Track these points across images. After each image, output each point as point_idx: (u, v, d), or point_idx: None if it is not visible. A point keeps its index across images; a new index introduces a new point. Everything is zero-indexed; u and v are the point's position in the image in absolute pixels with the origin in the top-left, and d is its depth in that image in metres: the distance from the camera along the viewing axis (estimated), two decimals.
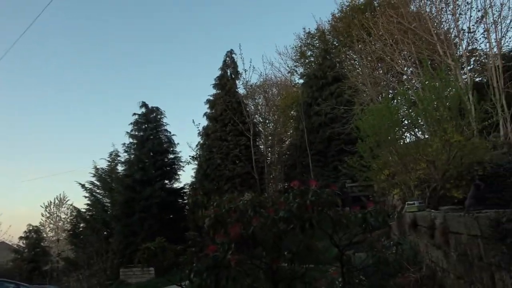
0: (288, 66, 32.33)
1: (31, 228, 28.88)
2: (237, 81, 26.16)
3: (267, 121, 29.16)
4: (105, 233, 26.52)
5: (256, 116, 28.22)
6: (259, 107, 29.01)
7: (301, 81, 28.71)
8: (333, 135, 21.92)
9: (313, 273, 3.38)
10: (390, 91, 18.93)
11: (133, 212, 22.93)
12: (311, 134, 23.13)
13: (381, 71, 19.75)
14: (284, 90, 30.46)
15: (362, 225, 2.84)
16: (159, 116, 25.80)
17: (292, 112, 28.56)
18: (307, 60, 30.16)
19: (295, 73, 31.84)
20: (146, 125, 25.32)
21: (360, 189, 17.39)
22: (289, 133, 30.18)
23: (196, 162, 25.69)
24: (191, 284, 2.31)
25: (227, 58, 26.32)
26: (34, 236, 28.52)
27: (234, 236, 2.33)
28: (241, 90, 26.63)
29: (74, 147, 65.26)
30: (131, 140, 25.32)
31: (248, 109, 25.86)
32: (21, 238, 28.55)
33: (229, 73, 26.09)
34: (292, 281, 2.84)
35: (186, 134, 66.73)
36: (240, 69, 26.30)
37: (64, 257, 28.20)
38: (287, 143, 29.89)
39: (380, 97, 17.93)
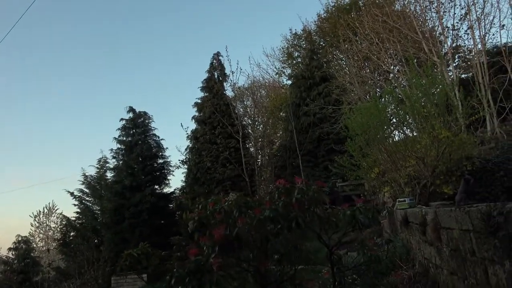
0: (275, 68, 32.40)
1: (20, 239, 28.36)
2: (224, 83, 26.11)
3: (256, 123, 29.12)
4: (95, 241, 26.15)
5: (245, 118, 28.17)
6: (248, 109, 28.96)
7: (289, 82, 28.75)
8: (322, 135, 21.95)
9: (304, 274, 3.28)
10: (378, 90, 19.04)
11: (123, 219, 22.63)
12: (301, 135, 23.13)
13: (368, 70, 19.85)
14: (273, 91, 30.49)
15: (351, 222, 2.76)
16: (147, 121, 25.55)
17: (281, 114, 28.59)
18: (294, 61, 30.25)
19: (283, 74, 31.91)
20: (134, 130, 25.05)
21: (351, 188, 17.39)
22: (278, 135, 30.19)
23: (186, 166, 25.52)
24: None
25: (214, 61, 26.26)
26: (23, 246, 28.02)
27: (218, 238, 2.22)
28: (229, 93, 26.60)
29: (62, 154, 64.44)
30: (119, 145, 25.03)
31: (236, 111, 25.79)
32: (10, 249, 28.01)
33: (216, 76, 26.02)
34: (282, 283, 2.74)
35: (174, 138, 66.34)
36: (227, 71, 26.30)
37: (54, 267, 27.74)
38: (277, 144, 29.86)
39: (367, 96, 18.03)
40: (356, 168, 11.60)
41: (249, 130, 27.62)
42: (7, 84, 60.35)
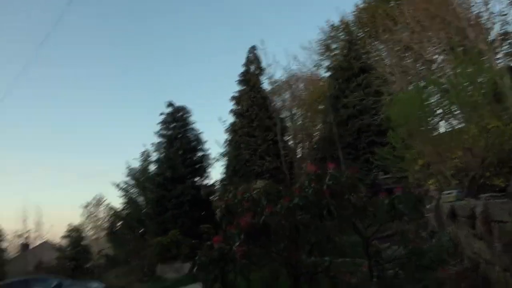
0: (313, 61, 31.83)
1: (71, 228, 29.73)
2: (261, 77, 26.01)
3: (294, 117, 28.85)
4: (140, 230, 27.05)
5: (283, 111, 27.99)
6: (286, 103, 28.74)
7: (327, 74, 28.16)
8: (362, 127, 21.35)
9: (341, 266, 3.12)
10: (420, 81, 18.22)
11: (166, 210, 23.24)
12: (340, 127, 22.61)
13: (409, 60, 19.05)
14: (311, 84, 30.01)
15: (390, 212, 2.56)
16: (185, 115, 26.03)
17: (319, 106, 28.13)
18: (332, 53, 29.57)
19: (320, 67, 31.29)
20: (173, 124, 25.59)
21: (393, 181, 16.82)
22: (317, 127, 29.73)
23: (225, 159, 25.74)
24: (194, 278, 2.14)
25: (250, 54, 26.22)
26: (75, 235, 29.35)
27: (244, 226, 2.13)
28: (266, 86, 26.49)
29: (108, 148, 67.09)
30: (160, 139, 25.71)
31: (274, 104, 25.64)
32: (63, 237, 29.51)
33: (253, 69, 25.97)
34: (315, 275, 2.61)
35: (213, 131, 67.10)
36: (263, 64, 26.21)
37: (104, 255, 28.98)
38: (316, 137, 29.45)
39: (409, 87, 17.31)
40: (399, 160, 11.15)
41: (287, 124, 27.42)
42: (55, 74, 63.46)
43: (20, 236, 32.55)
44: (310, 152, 27.82)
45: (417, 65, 18.85)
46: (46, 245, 32.59)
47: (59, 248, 29.00)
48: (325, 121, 25.28)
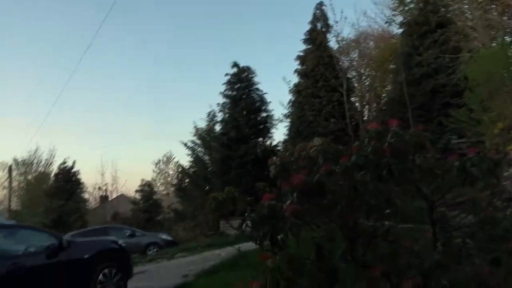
0: (385, 16, 29.68)
1: (144, 183, 31.74)
2: (328, 35, 24.97)
3: (362, 77, 27.56)
4: (206, 188, 28.24)
5: (350, 71, 26.84)
6: (353, 62, 27.45)
7: (400, 31, 26.20)
8: (437, 87, 19.83)
9: (402, 232, 2.94)
10: (507, 37, 16.28)
11: (230, 169, 23.93)
12: (412, 87, 21.21)
13: (495, 13, 17.05)
14: (381, 42, 28.21)
15: (460, 176, 2.31)
16: (250, 76, 25.99)
17: (390, 66, 26.51)
18: (406, 8, 27.30)
19: (393, 23, 29.11)
20: (238, 85, 25.74)
21: (468, 145, 15.64)
22: (386, 88, 28.19)
23: (289, 120, 25.58)
24: (242, 235, 2.13)
25: (317, 11, 25.14)
26: (147, 189, 31.33)
27: (297, 183, 2.04)
28: (332, 44, 25.41)
29: (178, 107, 69.87)
30: (225, 99, 26.09)
31: (340, 64, 24.64)
32: (136, 191, 31.74)
33: (319, 27, 24.95)
34: (374, 238, 2.48)
35: (277, 92, 66.73)
36: (331, 21, 25.03)
37: (173, 209, 30.75)
38: (384, 99, 28.01)
39: (493, 42, 15.56)
40: (475, 123, 10.28)
41: (354, 84, 26.33)
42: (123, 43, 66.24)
43: (99, 188, 35.54)
44: (378, 114, 26.65)
45: (504, 18, 16.86)
46: (122, 198, 35.41)
47: (133, 201, 31.24)
48: (395, 81, 23.85)
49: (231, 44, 63.21)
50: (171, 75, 68.94)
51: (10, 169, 34.10)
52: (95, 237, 11.34)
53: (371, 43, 28.37)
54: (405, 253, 2.47)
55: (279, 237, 2.04)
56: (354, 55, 27.57)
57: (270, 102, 26.31)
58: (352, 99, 25.46)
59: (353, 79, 26.65)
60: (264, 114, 26.10)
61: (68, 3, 64.08)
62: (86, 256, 7.05)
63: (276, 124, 26.54)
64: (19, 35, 65.33)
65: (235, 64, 26.05)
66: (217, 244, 14.95)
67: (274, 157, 2.83)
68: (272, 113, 26.40)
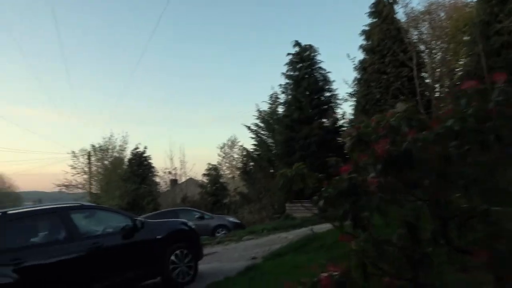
0: None
1: (210, 167, 32.61)
2: (395, 6, 23.35)
3: (433, 51, 25.54)
4: (271, 170, 28.34)
5: (419, 45, 24.99)
6: (423, 35, 25.49)
7: None
8: None
9: (506, 214, 2.50)
10: None
11: (294, 151, 23.66)
12: (490, 59, 19.19)
13: None
14: (454, 12, 25.85)
15: None
16: (312, 54, 25.25)
17: (464, 38, 24.26)
18: None
19: None
20: (300, 64, 25.15)
21: None
22: (461, 62, 25.90)
23: (354, 99, 24.59)
24: (318, 214, 1.88)
25: None
26: (213, 173, 32.16)
27: (380, 154, 1.74)
28: (400, 16, 23.76)
29: (239, 92, 70.61)
30: (287, 80, 25.69)
31: (409, 37, 22.98)
32: (203, 175, 32.73)
33: None
34: (469, 219, 2.11)
35: (341, 70, 64.61)
36: None
37: (238, 192, 31.35)
38: (459, 73, 25.79)
39: None
40: None
41: (425, 58, 24.50)
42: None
43: (169, 172, 37.09)
44: (451, 90, 24.65)
45: None
46: (191, 181, 36.68)
47: (201, 185, 32.28)
48: (471, 53, 21.80)
49: (293, 24, 62.15)
50: (234, 59, 69.66)
51: (89, 155, 36.79)
52: (167, 219, 11.76)
53: (443, 14, 26.13)
54: (508, 238, 2.07)
55: (362, 215, 1.76)
56: (424, 27, 25.65)
57: (334, 81, 25.53)
58: (423, 74, 23.75)
59: (423, 53, 24.83)
60: (327, 94, 25.36)
61: None
62: (158, 237, 7.26)
63: (341, 104, 25.69)
64: (88, 26, 69.59)
65: (297, 43, 25.44)
66: (283, 227, 14.90)
67: (346, 129, 2.53)
68: (336, 92, 25.57)
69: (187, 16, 67.98)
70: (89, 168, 36.80)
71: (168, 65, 71.81)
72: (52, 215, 6.37)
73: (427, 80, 24.47)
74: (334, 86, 25.62)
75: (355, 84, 24.37)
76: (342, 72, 55.47)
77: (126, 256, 6.80)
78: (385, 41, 22.24)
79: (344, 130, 24.29)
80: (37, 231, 6.24)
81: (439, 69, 25.61)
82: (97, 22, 64.91)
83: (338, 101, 25.46)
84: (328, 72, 25.52)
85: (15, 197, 59.93)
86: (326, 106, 25.14)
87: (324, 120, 24.92)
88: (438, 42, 25.81)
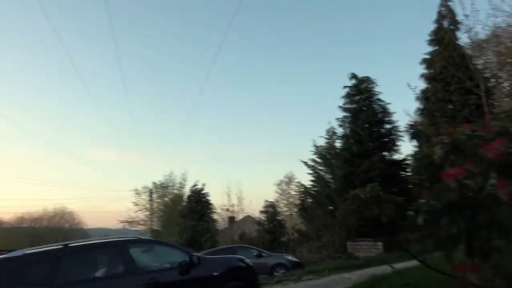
0: None
1: (268, 204, 32.21)
2: (457, 32, 22.35)
3: (498, 80, 23.88)
4: (330, 207, 27.33)
5: (485, 72, 23.49)
6: (487, 63, 24.00)
7: None
8: None
9: None
10: None
11: (354, 186, 22.55)
12: None
13: None
14: None
15: None
16: (370, 86, 24.63)
17: None
18: None
19: None
20: (357, 97, 24.57)
21: None
22: None
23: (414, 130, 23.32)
24: (413, 235, 1.46)
25: (442, 8, 22.79)
26: (271, 210, 31.70)
27: (494, 157, 1.32)
28: (463, 42, 22.64)
29: (297, 127, 70.55)
30: (344, 113, 25.13)
31: (475, 63, 21.69)
32: (261, 212, 32.35)
33: (446, 25, 22.55)
34: None
35: (401, 101, 62.50)
36: (459, 16, 22.35)
37: (297, 230, 30.49)
38: None
39: None
40: None
41: (493, 84, 22.90)
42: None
43: (226, 209, 37.18)
44: None
45: None
46: (248, 219, 36.40)
47: (258, 222, 31.86)
48: None
49: (348, 57, 62.02)
50: (289, 96, 70.39)
51: (151, 193, 38.02)
52: (224, 255, 11.47)
53: (508, 40, 24.53)
54: None
55: (480, 235, 1.32)
56: (489, 53, 24.18)
57: (394, 112, 24.53)
58: (492, 101, 22.14)
59: (491, 80, 23.25)
60: (388, 126, 24.36)
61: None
62: (215, 274, 6.98)
63: (403, 136, 24.50)
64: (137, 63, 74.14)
65: (354, 76, 25.01)
66: (345, 267, 14.05)
67: (428, 141, 2.12)
68: (397, 124, 24.51)
69: (240, 55, 70.52)
70: (151, 205, 37.91)
71: (224, 105, 74.22)
72: (111, 249, 6.35)
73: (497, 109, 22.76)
74: (394, 117, 24.64)
75: (418, 115, 23.25)
76: (402, 103, 53.74)
77: None
78: (448, 69, 21.17)
79: (409, 162, 22.99)
80: (96, 264, 6.22)
81: (507, 99, 23.76)
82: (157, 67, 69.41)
83: (400, 133, 24.33)
84: (388, 103, 24.67)
85: (83, 234, 63.00)
86: (386, 139, 24.10)
87: (385, 153, 23.84)
88: (504, 70, 24.12)
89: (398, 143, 24.21)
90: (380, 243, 20.41)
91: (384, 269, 8.96)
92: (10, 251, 5.87)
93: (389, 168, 22.57)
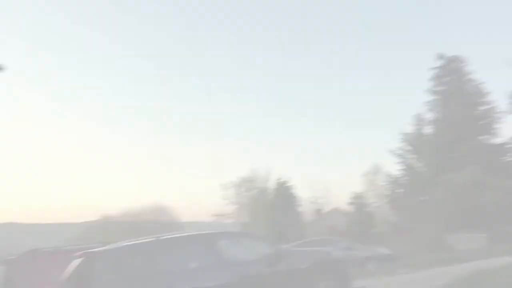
0: None
1: (355, 195, 31.35)
2: None
3: None
4: (422, 197, 25.77)
5: None
6: None
7: None
8: None
9: None
10: None
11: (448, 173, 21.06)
12: None
13: None
14: None
15: None
16: (460, 65, 22.61)
17: None
18: None
19: None
20: (447, 78, 22.73)
21: None
22: None
23: None
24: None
25: None
26: (359, 202, 30.81)
27: None
28: None
29: (376, 117, 67.38)
30: (433, 97, 23.40)
31: None
32: (349, 204, 31.59)
33: None
34: None
35: (500, 80, 55.93)
36: None
37: (387, 221, 29.32)
38: None
39: None
40: None
41: None
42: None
43: (312, 202, 36.90)
44: None
45: None
46: (336, 211, 35.80)
47: (346, 214, 31.17)
48: None
49: (431, 38, 57.55)
50: (371, 84, 67.52)
51: (239, 187, 39.38)
52: (312, 248, 11.38)
53: None
54: None
55: None
56: None
57: (489, 92, 22.27)
58: None
59: None
60: (483, 107, 22.19)
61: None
62: (303, 267, 6.92)
63: (502, 117, 22.15)
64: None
65: (441, 56, 23.19)
66: (443, 260, 13.17)
67: None
68: (495, 104, 22.24)
69: (309, 41, 68.75)
70: (239, 198, 39.13)
71: (306, 95, 73.35)
72: (199, 241, 6.64)
73: None
74: (491, 97, 22.41)
75: None
76: (500, 82, 48.43)
77: (269, 285, 6.61)
78: None
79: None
80: (185, 256, 6.41)
81: None
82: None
83: (499, 114, 22.06)
84: (482, 83, 22.46)
85: (178, 228, 66.96)
86: (482, 122, 21.99)
87: (481, 137, 21.77)
88: None
89: (497, 125, 21.96)
90: (483, 235, 18.84)
91: (489, 263, 8.21)
92: (104, 244, 6.42)
93: (488, 153, 20.58)
